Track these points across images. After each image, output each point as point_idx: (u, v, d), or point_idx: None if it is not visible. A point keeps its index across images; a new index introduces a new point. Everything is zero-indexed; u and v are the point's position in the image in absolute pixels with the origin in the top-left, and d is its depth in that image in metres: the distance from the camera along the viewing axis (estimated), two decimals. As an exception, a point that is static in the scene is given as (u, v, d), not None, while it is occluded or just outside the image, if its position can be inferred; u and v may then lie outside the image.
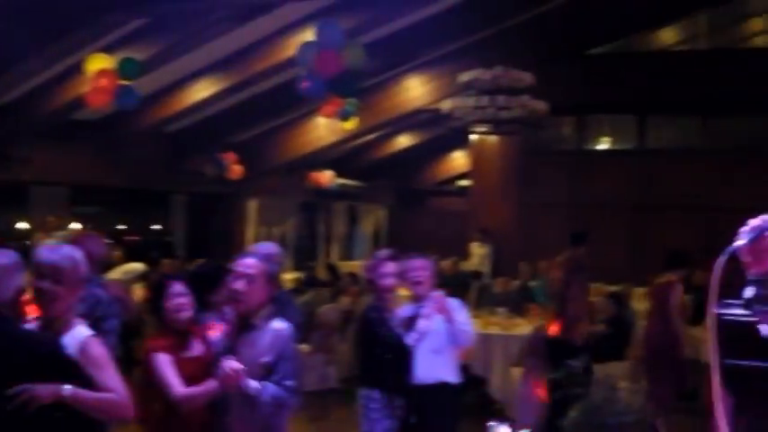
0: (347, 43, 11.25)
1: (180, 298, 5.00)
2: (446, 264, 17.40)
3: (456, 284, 15.16)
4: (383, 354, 6.38)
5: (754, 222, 2.90)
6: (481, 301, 13.32)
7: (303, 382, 11.48)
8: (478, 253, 17.95)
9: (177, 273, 5.20)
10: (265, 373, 4.85)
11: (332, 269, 17.74)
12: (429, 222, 25.91)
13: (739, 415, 3.16)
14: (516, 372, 10.20)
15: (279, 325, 5.03)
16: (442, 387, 6.60)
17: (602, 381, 8.02)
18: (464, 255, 18.34)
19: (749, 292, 3.01)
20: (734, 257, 2.91)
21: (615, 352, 10.22)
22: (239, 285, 4.97)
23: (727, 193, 17.11)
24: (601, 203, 19.02)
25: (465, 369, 10.57)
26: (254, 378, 4.79)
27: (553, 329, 9.09)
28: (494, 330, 10.82)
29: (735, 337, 3.27)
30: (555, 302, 10.32)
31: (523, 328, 10.82)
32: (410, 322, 6.54)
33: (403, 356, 6.42)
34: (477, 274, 16.22)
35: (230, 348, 4.96)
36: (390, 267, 6.60)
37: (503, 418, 9.91)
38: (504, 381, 10.46)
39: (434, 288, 6.83)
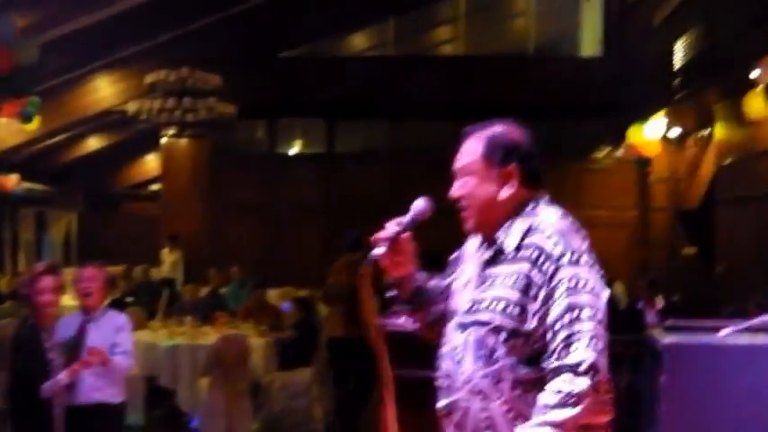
0: (19, 40, 10.67)
1: None
2: (136, 271, 16.95)
3: (146, 292, 14.81)
4: (28, 378, 5.90)
5: (389, 228, 3.00)
6: (171, 310, 12.97)
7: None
8: (169, 260, 17.55)
9: None
10: None
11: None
12: (122, 228, 25.19)
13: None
14: (204, 382, 9.97)
15: None
16: (103, 408, 6.19)
17: (281, 390, 7.93)
18: (156, 261, 17.92)
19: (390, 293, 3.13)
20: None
21: (302, 357, 10.16)
22: None
23: (412, 193, 17.50)
24: (292, 206, 19.06)
25: (151, 381, 10.31)
26: None
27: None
28: (180, 340, 10.49)
29: (396, 346, 3.28)
30: (344, 306, 10.21)
31: (211, 336, 10.55)
32: (72, 345, 6.10)
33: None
34: (168, 282, 15.85)
35: None
36: (49, 282, 6.11)
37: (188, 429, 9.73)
38: (191, 392, 10.18)
39: (105, 299, 6.50)
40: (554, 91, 18.01)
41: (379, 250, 2.94)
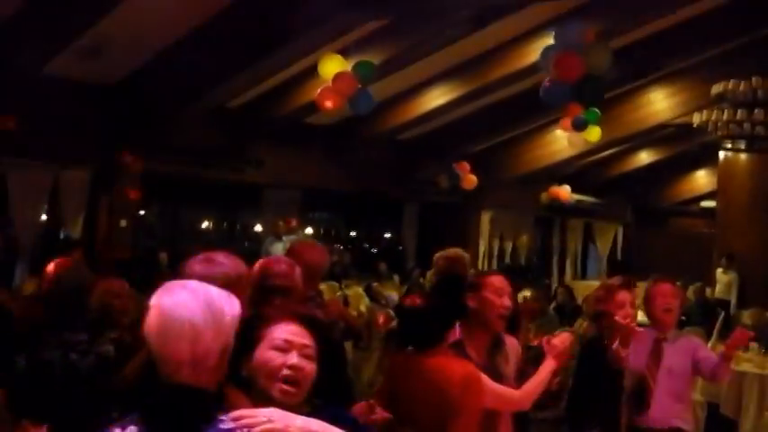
0: (590, 45, 10.48)
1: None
2: (690, 290, 16.31)
3: (701, 312, 14.16)
4: (606, 401, 5.49)
5: None
6: (728, 334, 12.23)
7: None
8: (723, 280, 16.73)
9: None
10: None
11: (568, 290, 16.63)
12: (668, 244, 24.65)
13: None
14: (773, 415, 9.25)
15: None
16: None
17: None
18: (706, 281, 17.12)
19: None
20: None
21: None
22: (508, 302, 4.64)
23: None
24: None
25: (714, 408, 9.70)
26: None
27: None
28: (747, 368, 9.82)
29: None
30: None
31: (782, 366, 9.82)
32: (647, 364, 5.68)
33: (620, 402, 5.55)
34: (722, 303, 15.09)
35: None
36: (627, 296, 5.73)
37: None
38: (756, 425, 9.47)
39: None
40: None
41: None
